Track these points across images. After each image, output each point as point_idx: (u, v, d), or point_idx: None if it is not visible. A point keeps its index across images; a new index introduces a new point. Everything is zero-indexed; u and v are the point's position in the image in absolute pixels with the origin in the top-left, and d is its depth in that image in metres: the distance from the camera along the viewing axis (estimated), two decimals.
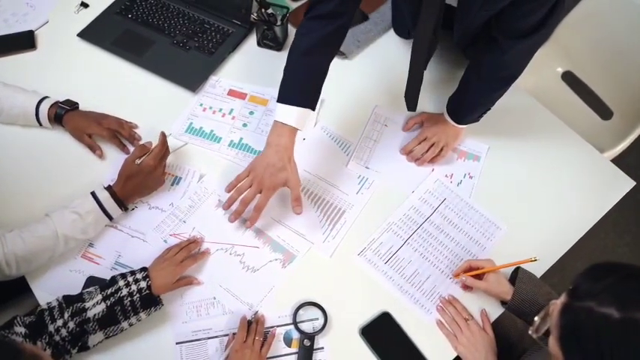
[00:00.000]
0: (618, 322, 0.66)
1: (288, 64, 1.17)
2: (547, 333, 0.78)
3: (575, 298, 0.72)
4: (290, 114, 1.14)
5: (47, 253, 1.10)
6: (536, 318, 0.81)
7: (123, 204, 1.18)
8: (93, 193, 1.15)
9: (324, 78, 1.19)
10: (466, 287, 1.19)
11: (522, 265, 1.14)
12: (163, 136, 1.21)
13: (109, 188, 1.17)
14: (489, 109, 1.30)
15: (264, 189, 1.15)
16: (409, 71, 1.26)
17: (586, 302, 0.70)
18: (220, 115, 1.40)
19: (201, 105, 1.41)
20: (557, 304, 0.75)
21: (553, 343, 0.74)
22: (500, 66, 1.18)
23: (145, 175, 1.18)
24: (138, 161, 1.18)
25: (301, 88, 1.16)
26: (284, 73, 1.17)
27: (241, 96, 1.43)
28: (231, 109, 1.41)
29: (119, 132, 1.32)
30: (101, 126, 1.30)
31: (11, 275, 1.09)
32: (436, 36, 1.20)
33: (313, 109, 1.17)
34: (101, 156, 1.31)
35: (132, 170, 1.17)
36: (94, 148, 1.31)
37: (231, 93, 1.44)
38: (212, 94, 1.43)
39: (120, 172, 1.19)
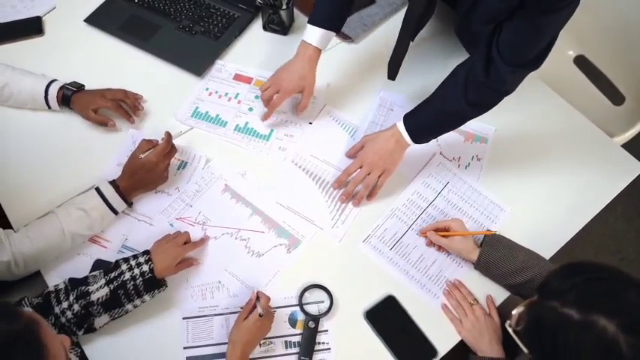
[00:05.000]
0: (576, 323, 0.68)
1: None
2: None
3: (543, 295, 0.74)
4: (315, 34, 1.25)
5: (55, 251, 1.11)
6: (514, 311, 0.82)
7: (126, 198, 1.18)
8: (97, 189, 1.15)
9: (351, 4, 1.29)
10: (431, 243, 1.20)
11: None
12: (168, 135, 1.20)
13: (112, 183, 1.17)
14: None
15: (281, 91, 1.27)
16: (397, 39, 1.28)
17: (551, 301, 0.72)
18: (226, 99, 1.39)
19: (207, 89, 1.41)
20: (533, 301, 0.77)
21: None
22: (526, 42, 1.04)
23: (146, 170, 1.18)
24: (142, 155, 1.17)
25: (328, 12, 1.26)
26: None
27: (247, 80, 1.43)
28: (237, 94, 1.41)
29: (124, 101, 1.32)
30: (105, 98, 1.30)
31: (19, 274, 1.10)
32: (431, 6, 1.19)
33: (337, 31, 1.29)
34: (114, 127, 1.31)
35: (136, 165, 1.17)
36: (104, 122, 1.30)
37: (237, 77, 1.43)
38: (218, 78, 1.43)
39: (125, 166, 1.19)
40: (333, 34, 1.27)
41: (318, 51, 1.27)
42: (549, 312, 0.72)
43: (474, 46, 1.15)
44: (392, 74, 1.37)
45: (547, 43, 1.04)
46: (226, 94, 1.40)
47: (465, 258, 1.18)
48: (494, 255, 1.13)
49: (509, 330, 0.82)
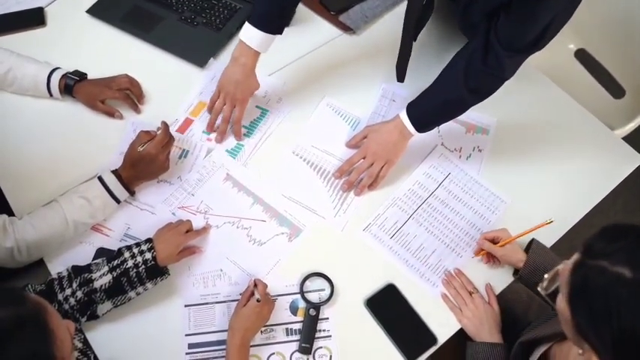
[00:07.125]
0: (630, 282, 0.66)
1: None
2: (554, 294, 0.79)
3: (588, 256, 0.72)
4: (254, 37, 1.20)
5: (58, 239, 1.12)
6: (545, 275, 0.81)
7: (129, 188, 1.19)
8: (100, 178, 1.16)
9: (296, 6, 1.29)
10: (489, 259, 1.19)
11: (537, 235, 1.16)
12: (165, 125, 1.20)
13: (115, 172, 1.17)
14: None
15: (237, 103, 1.27)
16: (401, 41, 1.27)
17: (599, 261, 0.69)
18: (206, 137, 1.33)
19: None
20: (568, 264, 0.75)
21: (561, 301, 0.74)
22: (523, 27, 1.06)
23: (146, 162, 1.18)
24: (140, 148, 1.17)
25: (270, 12, 1.19)
26: None
27: (189, 122, 1.35)
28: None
29: (130, 90, 1.33)
30: (112, 89, 1.31)
31: (22, 262, 1.11)
32: (430, 6, 1.18)
33: (280, 33, 1.22)
34: (121, 117, 1.33)
35: (135, 156, 1.17)
36: (111, 112, 1.32)
37: (181, 129, 1.34)
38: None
39: (125, 156, 1.19)
40: (276, 37, 1.22)
41: (258, 54, 1.22)
42: (598, 272, 0.69)
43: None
44: (400, 77, 1.36)
45: (543, 28, 1.05)
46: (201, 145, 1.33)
47: (512, 264, 1.17)
48: (540, 261, 1.12)
49: (543, 294, 0.81)
